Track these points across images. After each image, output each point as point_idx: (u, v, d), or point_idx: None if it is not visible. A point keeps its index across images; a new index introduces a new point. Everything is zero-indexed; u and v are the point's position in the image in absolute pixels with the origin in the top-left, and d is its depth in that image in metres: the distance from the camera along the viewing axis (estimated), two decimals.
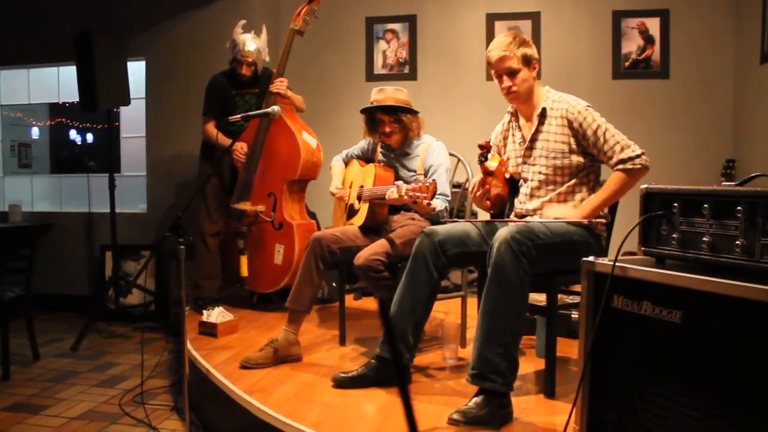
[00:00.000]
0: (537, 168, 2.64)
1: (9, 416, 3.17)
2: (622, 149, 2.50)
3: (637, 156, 2.49)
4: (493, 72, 2.69)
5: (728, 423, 1.57)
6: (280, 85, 4.10)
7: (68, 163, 7.36)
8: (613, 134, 2.52)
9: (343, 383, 2.70)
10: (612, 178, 2.52)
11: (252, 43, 4.20)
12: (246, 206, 4.13)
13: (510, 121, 2.83)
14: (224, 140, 4.13)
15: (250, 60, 4.21)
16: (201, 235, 4.30)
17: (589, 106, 2.59)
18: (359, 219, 3.35)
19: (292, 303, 3.12)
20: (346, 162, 3.69)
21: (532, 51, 2.64)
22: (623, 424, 1.88)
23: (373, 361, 2.71)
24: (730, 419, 1.57)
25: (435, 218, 3.13)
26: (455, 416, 2.23)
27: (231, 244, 4.27)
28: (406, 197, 2.81)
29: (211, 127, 4.31)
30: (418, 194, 2.78)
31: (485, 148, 2.51)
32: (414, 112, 3.34)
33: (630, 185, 2.52)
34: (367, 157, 3.61)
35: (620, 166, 2.49)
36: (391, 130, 3.31)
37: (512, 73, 2.62)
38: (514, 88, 2.63)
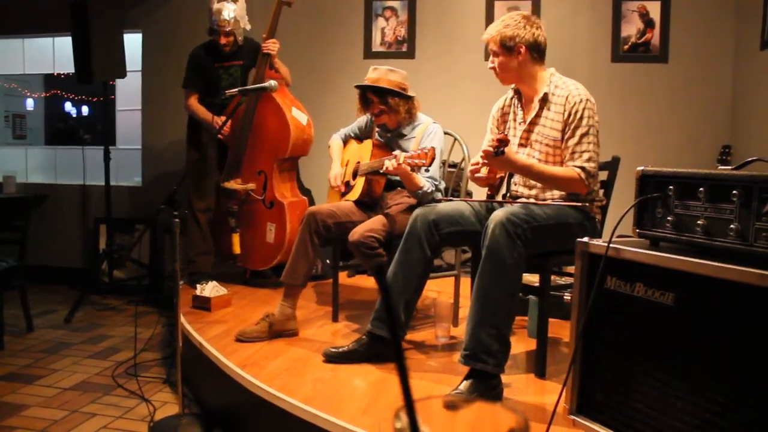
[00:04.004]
0: (532, 152, 2.64)
1: (3, 385, 3.18)
2: (588, 160, 2.49)
3: (592, 176, 2.50)
4: None
5: (718, 404, 1.59)
6: (272, 46, 4.02)
7: (63, 135, 7.32)
8: (590, 142, 2.50)
9: (333, 358, 2.72)
10: (568, 170, 2.50)
11: (228, 11, 4.03)
12: (236, 185, 4.09)
13: (512, 98, 2.82)
14: (205, 114, 4.06)
15: (228, 29, 4.05)
16: (191, 212, 4.26)
17: (589, 99, 2.54)
18: (354, 194, 3.34)
19: (287, 277, 3.12)
20: (345, 141, 3.68)
21: (513, 33, 2.58)
22: (613, 404, 1.90)
23: (363, 337, 2.73)
24: (719, 401, 1.58)
25: (421, 200, 3.10)
26: (446, 400, 2.23)
27: (222, 223, 4.24)
28: (404, 165, 2.81)
29: (195, 102, 4.21)
30: (416, 161, 2.79)
31: (503, 143, 2.42)
32: (403, 96, 3.30)
33: (569, 188, 2.54)
34: (364, 136, 3.59)
35: (578, 170, 2.48)
36: (378, 111, 3.31)
37: (495, 55, 2.65)
38: (497, 70, 2.66)
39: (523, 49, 2.59)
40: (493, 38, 2.61)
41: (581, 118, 2.50)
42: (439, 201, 2.83)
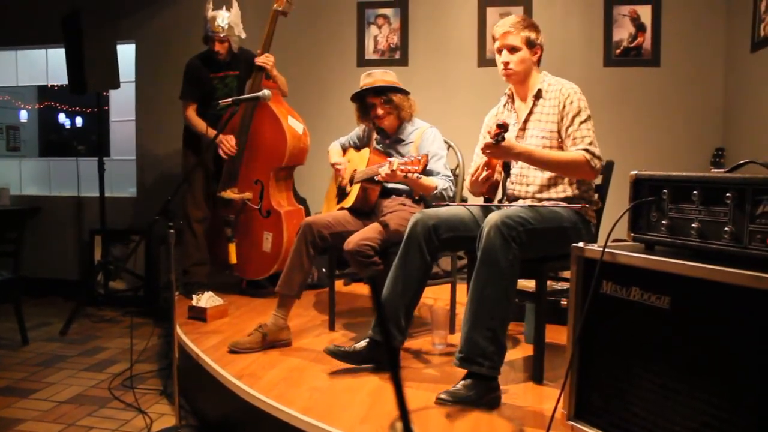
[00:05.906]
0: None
1: None
2: (590, 144, 2.51)
3: (599, 158, 2.51)
4: (495, 47, 2.71)
5: (715, 407, 1.58)
6: (266, 60, 4.03)
7: (57, 146, 7.31)
8: (589, 128, 2.53)
9: (335, 354, 2.70)
10: (572, 153, 2.51)
11: (222, 18, 4.09)
12: (233, 194, 4.09)
13: (506, 104, 2.84)
14: (212, 132, 4.07)
15: (222, 35, 4.09)
16: (187, 222, 4.25)
17: (583, 95, 2.60)
18: (349, 201, 3.35)
19: (282, 287, 3.11)
20: (344, 150, 3.67)
21: (536, 35, 2.67)
22: (611, 408, 1.89)
23: (366, 340, 2.71)
24: (717, 403, 1.58)
25: (434, 199, 3.10)
26: (443, 396, 2.24)
27: (219, 232, 4.23)
28: (398, 172, 2.82)
29: (193, 114, 4.22)
30: (409, 167, 2.80)
31: (503, 128, 2.40)
32: (404, 92, 3.33)
33: (576, 172, 2.54)
34: (363, 145, 3.59)
35: (582, 151, 2.49)
36: (383, 112, 3.31)
37: (513, 50, 2.65)
38: (511, 65, 2.65)
39: (539, 50, 2.69)
40: (519, 33, 2.64)
41: (578, 107, 2.55)
42: (438, 205, 2.83)
